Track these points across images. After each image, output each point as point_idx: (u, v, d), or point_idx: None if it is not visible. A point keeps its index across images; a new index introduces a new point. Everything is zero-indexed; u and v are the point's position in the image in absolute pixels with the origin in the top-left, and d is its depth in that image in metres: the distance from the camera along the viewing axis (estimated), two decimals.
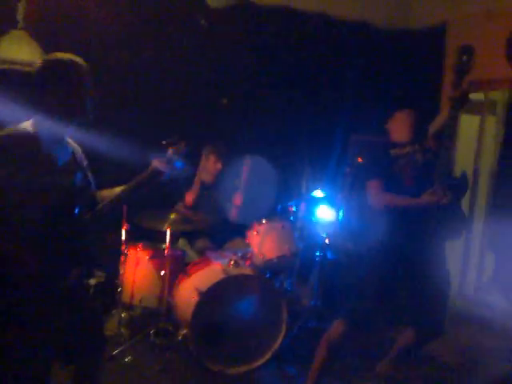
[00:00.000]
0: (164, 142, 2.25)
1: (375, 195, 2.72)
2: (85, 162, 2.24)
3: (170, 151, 2.22)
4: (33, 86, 2.00)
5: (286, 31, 4.80)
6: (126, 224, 3.47)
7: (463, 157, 4.73)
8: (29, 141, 1.93)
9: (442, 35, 4.84)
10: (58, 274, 1.97)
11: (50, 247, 1.93)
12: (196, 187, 4.01)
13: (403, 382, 3.13)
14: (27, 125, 1.98)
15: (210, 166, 4.10)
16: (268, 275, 3.59)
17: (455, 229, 2.72)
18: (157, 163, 2.22)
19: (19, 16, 3.83)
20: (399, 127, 2.83)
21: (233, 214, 4.14)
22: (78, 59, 2.04)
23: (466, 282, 4.78)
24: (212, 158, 4.09)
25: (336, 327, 2.73)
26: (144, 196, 2.25)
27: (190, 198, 3.97)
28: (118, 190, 2.21)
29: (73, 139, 2.20)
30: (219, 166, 4.10)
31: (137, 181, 2.21)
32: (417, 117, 2.81)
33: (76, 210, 2.03)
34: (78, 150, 2.22)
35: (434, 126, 2.83)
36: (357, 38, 4.99)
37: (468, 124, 4.73)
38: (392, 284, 2.67)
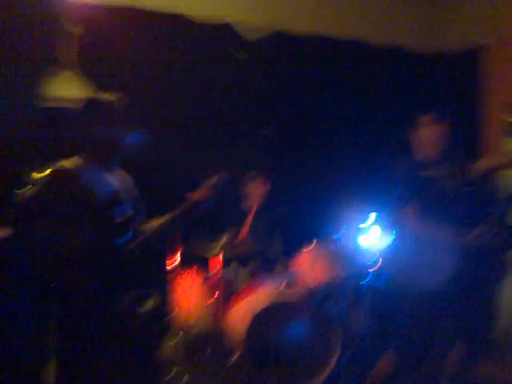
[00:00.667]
0: (205, 173, 2.34)
1: (411, 221, 2.64)
2: (134, 192, 2.32)
3: (212, 180, 2.31)
4: (76, 123, 2.15)
5: (321, 59, 4.87)
6: (179, 248, 3.57)
7: None
8: (71, 177, 2.04)
9: (476, 59, 4.81)
10: (111, 298, 2.05)
11: (100, 273, 2.01)
12: (248, 223, 4.06)
13: None
14: (69, 162, 2.10)
15: (257, 188, 4.17)
16: (319, 299, 3.57)
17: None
18: (195, 194, 2.29)
19: (70, 56, 4.02)
20: (424, 141, 2.71)
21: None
22: (117, 97, 2.16)
23: None
24: (259, 181, 4.16)
25: (388, 356, 2.68)
26: (190, 225, 2.32)
27: (243, 233, 4.01)
28: (162, 219, 2.28)
29: (122, 170, 2.29)
30: (267, 186, 4.16)
31: (180, 210, 2.27)
32: (446, 131, 2.68)
33: (120, 240, 2.10)
34: (127, 180, 2.31)
35: (485, 164, 2.68)
36: (390, 63, 5.01)
37: None
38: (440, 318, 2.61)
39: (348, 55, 4.93)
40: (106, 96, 2.14)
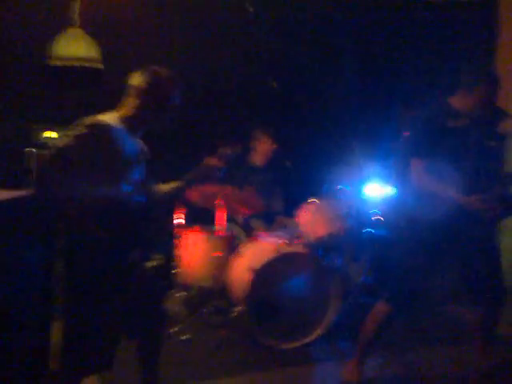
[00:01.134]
0: (218, 143, 2.38)
1: (417, 177, 2.60)
2: (148, 158, 2.39)
3: (223, 150, 2.38)
4: (128, 92, 2.21)
5: (329, 12, 4.74)
6: (181, 208, 3.62)
7: None
8: (108, 132, 2.10)
9: (494, 6, 4.63)
10: (122, 251, 2.13)
11: (116, 227, 2.09)
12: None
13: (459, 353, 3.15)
14: (105, 117, 2.16)
15: (263, 147, 4.16)
16: (319, 253, 3.64)
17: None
18: (210, 160, 2.38)
19: (74, 14, 3.99)
20: (464, 94, 2.63)
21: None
22: (174, 76, 2.26)
23: None
24: (265, 139, 4.15)
25: (380, 307, 2.73)
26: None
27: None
28: (174, 184, 2.39)
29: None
30: (273, 144, 4.15)
31: (192, 175, 2.38)
32: (487, 89, 2.60)
33: (138, 198, 2.19)
34: (144, 146, 2.38)
35: None
36: (406, 13, 4.84)
37: None
38: (438, 262, 2.64)
39: (361, 5, 4.77)
40: (163, 75, 2.23)
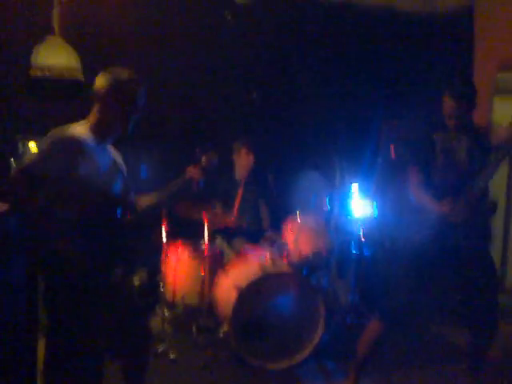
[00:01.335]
0: (197, 150, 2.36)
1: (413, 184, 2.68)
2: (124, 169, 2.34)
3: (204, 159, 2.35)
4: (92, 97, 2.13)
5: (312, 22, 4.77)
6: (165, 222, 3.58)
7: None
8: (73, 144, 2.02)
9: (469, 18, 4.78)
10: (103, 269, 2.08)
11: (94, 244, 2.04)
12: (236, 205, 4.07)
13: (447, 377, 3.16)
14: (73, 129, 2.09)
15: (242, 159, 4.12)
16: (305, 272, 3.63)
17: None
18: (191, 170, 2.36)
19: (54, 23, 3.94)
20: (446, 110, 2.67)
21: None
22: (138, 78, 2.15)
23: (506, 277, 4.71)
24: (244, 151, 4.10)
25: (373, 326, 2.75)
26: (179, 200, 2.38)
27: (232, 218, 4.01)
28: (154, 195, 2.35)
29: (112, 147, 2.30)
30: (251, 157, 4.11)
31: (172, 187, 2.35)
32: (461, 104, 2.62)
33: (117, 213, 2.14)
34: (118, 157, 2.32)
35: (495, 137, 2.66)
36: (384, 25, 4.91)
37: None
38: (430, 278, 2.66)
39: (339, 17, 4.84)
40: (124, 76, 2.12)
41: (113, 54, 4.23)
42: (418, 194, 2.67)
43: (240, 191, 4.17)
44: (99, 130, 2.13)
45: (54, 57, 3.92)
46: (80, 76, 4.03)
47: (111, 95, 2.10)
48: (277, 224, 3.97)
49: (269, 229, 4.16)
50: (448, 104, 2.62)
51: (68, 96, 4.12)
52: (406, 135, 2.93)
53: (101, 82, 2.12)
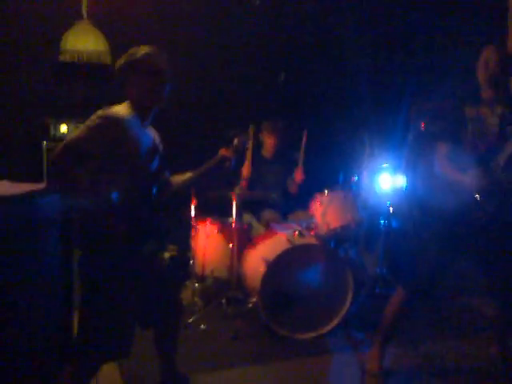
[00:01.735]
0: (230, 133, 2.41)
1: (439, 160, 2.62)
2: (161, 148, 2.41)
3: (236, 141, 2.40)
4: (118, 77, 2.20)
5: (334, 4, 4.74)
6: (194, 200, 3.66)
7: None
8: (120, 123, 2.10)
9: None
10: (138, 243, 2.15)
11: (132, 219, 2.10)
12: (248, 160, 4.09)
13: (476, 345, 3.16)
14: (118, 109, 2.16)
15: (266, 141, 4.25)
16: (333, 244, 3.65)
17: None
18: (224, 151, 2.40)
19: (83, 8, 4.02)
20: (481, 73, 2.59)
21: (293, 189, 4.22)
22: (156, 50, 2.22)
23: None
24: (267, 134, 4.22)
25: (397, 295, 2.74)
26: (212, 181, 2.45)
27: (245, 171, 4.06)
28: (188, 175, 2.40)
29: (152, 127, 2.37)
30: (273, 140, 4.22)
31: (206, 167, 2.39)
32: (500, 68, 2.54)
33: (154, 190, 2.21)
34: (157, 136, 2.39)
35: None
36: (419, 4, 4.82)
37: None
38: (452, 251, 2.62)
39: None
40: (142, 52, 2.18)
41: (140, 38, 4.26)
42: (444, 169, 2.61)
43: (266, 168, 4.22)
44: (136, 107, 2.20)
45: (83, 41, 4.00)
46: (108, 60, 4.10)
47: (129, 71, 2.17)
48: (304, 201, 3.99)
49: (295, 204, 4.20)
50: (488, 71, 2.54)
51: (97, 80, 4.20)
52: (437, 111, 2.85)
53: (118, 62, 2.21)
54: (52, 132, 3.88)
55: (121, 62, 2.20)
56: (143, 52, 2.19)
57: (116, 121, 2.09)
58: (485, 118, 2.56)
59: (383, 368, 2.78)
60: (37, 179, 2.48)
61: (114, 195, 2.06)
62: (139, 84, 2.17)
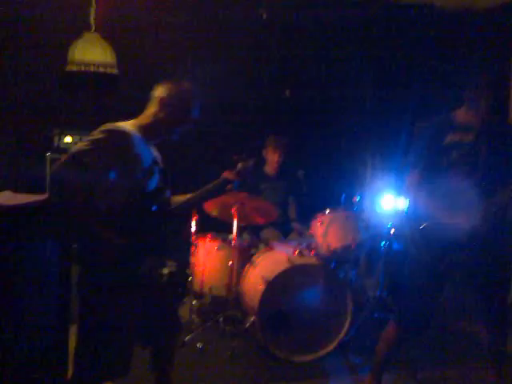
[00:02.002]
0: (235, 157, 2.42)
1: (408, 187, 2.64)
2: (163, 168, 2.39)
3: (240, 165, 2.42)
4: (162, 103, 2.24)
5: (342, 18, 4.72)
6: (195, 215, 3.64)
7: None
8: (125, 138, 2.11)
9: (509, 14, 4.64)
10: (136, 260, 2.12)
11: (130, 236, 2.08)
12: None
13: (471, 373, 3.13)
14: (124, 125, 2.17)
15: (269, 157, 4.23)
16: (333, 265, 3.62)
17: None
18: (227, 174, 2.42)
19: (91, 19, 4.05)
20: (467, 106, 2.57)
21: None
22: (192, 86, 2.31)
23: None
24: (271, 149, 4.21)
25: (390, 327, 2.70)
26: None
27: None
28: (189, 196, 2.41)
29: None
30: (276, 157, 4.20)
31: (207, 188, 2.41)
32: (488, 100, 2.51)
33: (153, 208, 2.20)
34: (159, 156, 2.39)
35: None
36: (422, 22, 4.86)
37: None
38: (450, 276, 2.59)
39: (376, 15, 4.79)
40: (184, 87, 2.28)
41: (148, 51, 4.32)
42: (417, 196, 2.60)
43: (268, 185, 4.22)
44: (148, 132, 2.24)
45: (91, 52, 4.01)
46: (115, 71, 4.12)
47: (170, 105, 2.23)
48: (305, 220, 3.97)
49: (296, 223, 4.18)
50: (482, 104, 2.51)
51: (103, 91, 4.22)
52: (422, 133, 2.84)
53: (162, 90, 2.26)
54: (56, 143, 3.88)
55: (165, 90, 2.25)
56: (190, 90, 2.29)
57: (122, 135, 2.10)
58: (469, 144, 2.51)
59: None
60: (39, 190, 2.48)
61: (111, 210, 2.04)
62: (171, 117, 2.24)
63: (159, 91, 2.27)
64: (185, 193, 2.44)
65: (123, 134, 2.11)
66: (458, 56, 4.81)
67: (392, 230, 3.90)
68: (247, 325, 3.36)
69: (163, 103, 2.24)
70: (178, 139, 2.32)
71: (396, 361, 2.89)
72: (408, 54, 4.88)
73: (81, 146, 2.04)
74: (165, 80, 2.30)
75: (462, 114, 2.60)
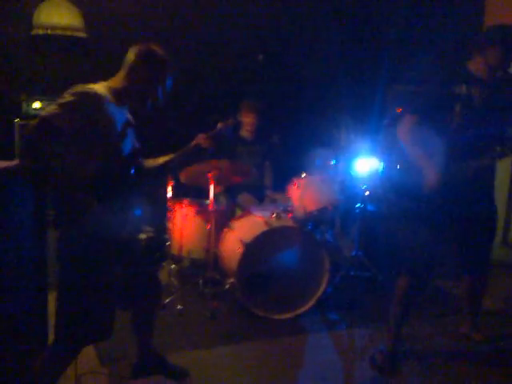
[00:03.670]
0: (212, 119, 2.38)
1: (402, 129, 2.60)
2: (135, 132, 2.35)
3: (220, 125, 2.41)
4: (131, 66, 2.17)
5: None
6: (171, 181, 3.62)
7: None
8: (96, 100, 2.05)
9: None
10: (115, 224, 2.10)
11: (108, 199, 2.06)
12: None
13: (447, 326, 3.25)
14: (96, 87, 2.11)
15: (245, 121, 4.19)
16: (309, 227, 3.68)
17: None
18: (201, 139, 2.38)
19: None
20: (476, 57, 2.57)
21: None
22: (170, 57, 2.22)
23: (509, 230, 4.76)
24: (245, 113, 4.17)
25: (400, 283, 2.74)
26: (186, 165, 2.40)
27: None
28: (162, 160, 2.37)
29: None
30: (251, 120, 4.18)
31: (181, 153, 2.38)
32: (496, 53, 2.50)
33: (131, 171, 2.17)
34: (132, 119, 2.34)
35: None
36: None
37: None
38: (428, 234, 2.64)
39: None
40: (161, 53, 2.20)
41: (116, 13, 4.21)
42: (404, 141, 2.59)
43: (245, 149, 4.21)
44: (120, 96, 2.17)
45: (57, 15, 3.90)
46: (83, 35, 4.01)
47: (144, 68, 2.17)
48: (281, 183, 4.00)
49: (270, 191, 4.22)
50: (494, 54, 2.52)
51: (71, 55, 4.11)
52: (417, 92, 2.82)
53: (137, 53, 2.18)
54: (24, 109, 3.78)
55: (139, 54, 2.18)
56: (166, 58, 2.21)
57: (94, 98, 2.04)
58: (475, 98, 2.53)
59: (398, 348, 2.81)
60: (9, 157, 2.43)
61: (87, 173, 2.01)
62: (143, 83, 2.18)
63: (131, 54, 2.20)
64: (158, 156, 2.40)
65: (94, 95, 2.05)
66: (435, 13, 4.82)
67: (366, 192, 3.97)
68: (226, 286, 3.41)
69: (133, 66, 2.18)
70: (149, 112, 2.24)
71: (373, 317, 2.98)
72: (383, 12, 4.86)
73: (51, 109, 1.97)
74: (139, 43, 2.22)
75: (474, 66, 2.61)
